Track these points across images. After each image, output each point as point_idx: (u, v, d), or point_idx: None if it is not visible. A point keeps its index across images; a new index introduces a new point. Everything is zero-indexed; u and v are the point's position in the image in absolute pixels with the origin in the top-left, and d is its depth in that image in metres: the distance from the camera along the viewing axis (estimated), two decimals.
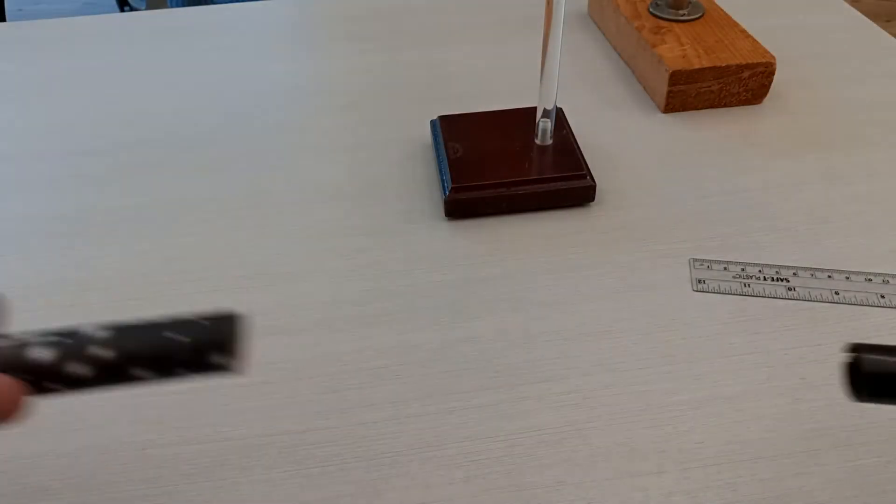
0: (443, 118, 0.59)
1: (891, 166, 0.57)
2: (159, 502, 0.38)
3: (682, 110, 0.64)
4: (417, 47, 0.74)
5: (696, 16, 0.68)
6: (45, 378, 0.30)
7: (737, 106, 0.64)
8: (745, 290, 0.48)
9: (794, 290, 0.48)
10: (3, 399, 0.27)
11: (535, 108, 0.56)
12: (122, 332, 0.33)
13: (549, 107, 0.54)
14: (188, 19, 0.81)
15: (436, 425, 0.41)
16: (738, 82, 0.63)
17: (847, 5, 0.79)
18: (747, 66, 0.62)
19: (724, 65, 0.61)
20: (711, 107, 0.64)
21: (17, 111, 0.67)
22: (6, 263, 0.52)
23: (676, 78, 0.62)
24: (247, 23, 0.80)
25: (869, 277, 0.48)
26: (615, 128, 0.62)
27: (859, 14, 0.77)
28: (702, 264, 0.50)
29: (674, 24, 0.67)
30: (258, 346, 0.45)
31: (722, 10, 0.69)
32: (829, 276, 0.48)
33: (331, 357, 0.45)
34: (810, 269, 0.49)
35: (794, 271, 0.49)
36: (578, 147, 0.56)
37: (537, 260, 0.50)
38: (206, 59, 0.74)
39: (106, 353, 0.31)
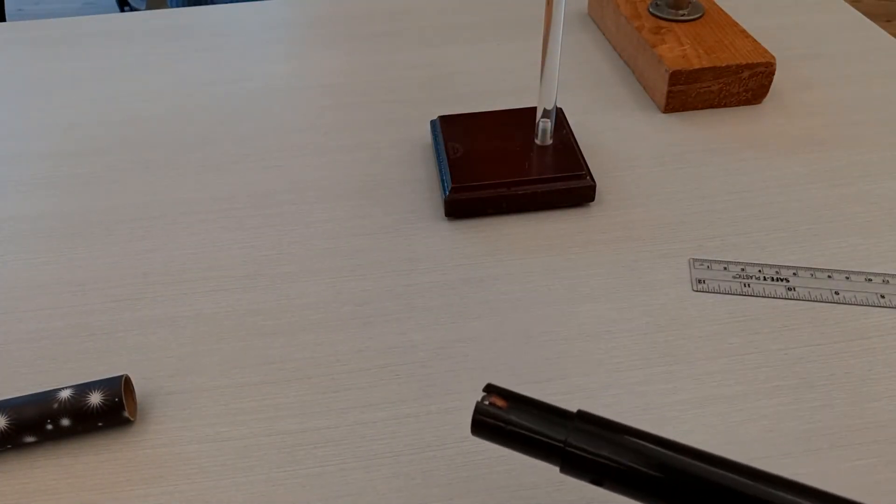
0: (443, 118, 0.59)
1: (890, 166, 0.57)
2: (160, 502, 0.38)
3: (682, 110, 0.64)
4: (417, 47, 0.74)
5: (696, 16, 0.68)
6: None
7: (737, 106, 0.64)
8: (745, 290, 0.48)
9: (794, 290, 0.48)
10: None
11: (535, 108, 0.57)
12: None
13: (549, 107, 0.54)
14: (188, 19, 0.81)
15: (436, 425, 0.41)
16: (738, 82, 0.63)
17: (847, 5, 0.79)
18: (747, 66, 0.62)
19: (724, 65, 0.62)
20: (711, 107, 0.64)
21: (17, 111, 0.67)
22: (6, 263, 0.52)
23: (676, 78, 0.62)
24: (246, 23, 0.80)
25: (869, 277, 0.48)
26: (615, 128, 0.62)
27: (859, 14, 0.77)
28: (702, 264, 0.50)
29: (674, 24, 0.67)
30: (258, 346, 0.45)
31: (722, 10, 0.69)
32: (829, 276, 0.48)
33: (331, 357, 0.45)
34: (810, 269, 0.49)
35: (794, 271, 0.49)
36: (578, 147, 0.56)
37: (537, 260, 0.50)
38: (206, 59, 0.74)
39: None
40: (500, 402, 0.30)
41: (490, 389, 0.31)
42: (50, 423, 0.39)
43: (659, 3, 0.69)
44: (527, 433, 0.29)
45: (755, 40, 0.64)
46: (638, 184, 0.56)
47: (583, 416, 0.30)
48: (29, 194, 0.58)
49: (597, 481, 0.29)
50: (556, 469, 0.39)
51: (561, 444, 0.29)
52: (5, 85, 0.71)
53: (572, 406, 0.42)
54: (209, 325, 0.47)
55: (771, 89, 0.66)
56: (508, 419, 0.30)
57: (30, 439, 0.39)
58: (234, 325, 0.47)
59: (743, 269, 0.49)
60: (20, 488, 0.39)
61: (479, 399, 0.30)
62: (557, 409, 0.30)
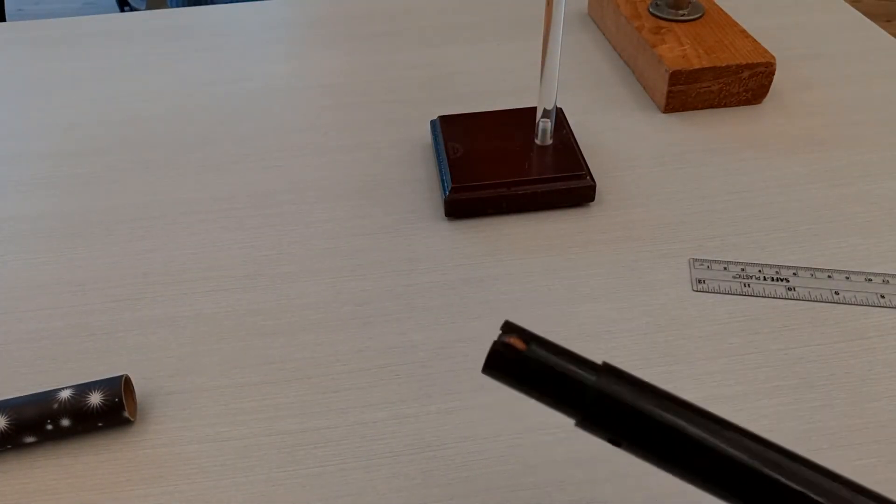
0: (443, 118, 0.59)
1: (890, 166, 0.57)
2: (160, 502, 0.38)
3: (682, 110, 0.64)
4: (417, 47, 0.74)
5: (696, 16, 0.68)
6: None
7: (737, 106, 0.64)
8: (745, 290, 0.48)
9: (794, 290, 0.48)
10: None
11: (535, 108, 0.57)
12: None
13: (549, 107, 0.54)
14: (188, 19, 0.81)
15: (436, 425, 0.41)
16: (738, 82, 0.63)
17: (847, 5, 0.79)
18: (747, 66, 0.62)
19: (724, 65, 0.61)
20: (711, 107, 0.64)
21: (17, 111, 0.67)
22: (6, 263, 0.52)
23: (676, 78, 0.62)
24: (246, 23, 0.80)
25: (869, 277, 0.48)
26: (615, 128, 0.62)
27: (859, 14, 0.77)
28: (702, 264, 0.50)
29: (674, 24, 0.67)
30: (258, 346, 0.45)
31: (722, 10, 0.69)
32: (829, 276, 0.48)
33: (331, 357, 0.45)
34: (810, 269, 0.49)
35: (794, 271, 0.49)
36: (578, 147, 0.56)
37: (537, 260, 0.50)
38: (206, 59, 0.74)
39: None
40: (519, 345, 0.26)
41: (509, 328, 0.27)
42: (50, 423, 0.39)
43: (659, 3, 0.69)
44: (545, 379, 0.26)
45: (755, 40, 0.64)
46: (638, 184, 0.56)
47: (610, 370, 0.26)
48: (29, 194, 0.58)
49: (615, 441, 0.26)
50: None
51: (585, 394, 0.26)
52: (5, 85, 0.71)
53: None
54: (209, 325, 0.47)
55: (771, 89, 0.66)
56: (528, 359, 0.26)
57: (30, 439, 0.39)
58: (234, 325, 0.47)
59: (743, 269, 0.49)
60: (20, 488, 0.39)
61: (497, 338, 0.27)
62: (582, 359, 0.27)
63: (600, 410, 0.26)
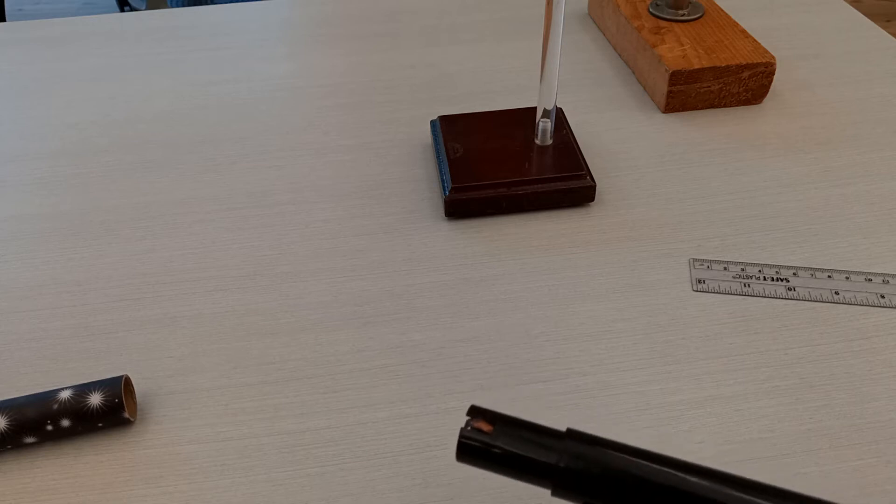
0: (443, 118, 0.59)
1: (890, 166, 0.57)
2: (160, 502, 0.38)
3: (682, 110, 0.64)
4: (417, 47, 0.74)
5: (696, 16, 0.68)
6: None
7: (737, 106, 0.64)
8: (745, 290, 0.48)
9: (794, 290, 0.48)
10: None
11: (535, 108, 0.56)
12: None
13: (549, 107, 0.54)
14: (188, 19, 0.81)
15: (436, 425, 0.41)
16: (738, 82, 0.63)
17: (847, 5, 0.79)
18: (747, 67, 0.62)
19: (724, 65, 0.62)
20: (711, 107, 0.64)
21: (17, 111, 0.67)
22: (6, 263, 0.52)
23: (676, 78, 0.62)
24: (246, 23, 0.80)
25: (869, 277, 0.48)
26: (615, 128, 0.62)
27: (859, 14, 0.77)
28: (702, 264, 0.50)
29: (674, 24, 0.67)
30: (258, 346, 0.45)
31: (722, 10, 0.69)
32: (829, 276, 0.48)
33: (331, 357, 0.45)
34: (810, 269, 0.49)
35: (794, 271, 0.49)
36: (578, 147, 0.56)
37: (537, 260, 0.50)
38: (206, 59, 0.74)
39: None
40: (485, 427, 0.28)
41: (474, 412, 0.29)
42: (50, 423, 0.39)
43: (659, 3, 0.69)
44: (515, 458, 0.28)
45: (755, 40, 0.64)
46: (638, 184, 0.56)
47: (573, 436, 0.28)
48: (29, 194, 0.58)
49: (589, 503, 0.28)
50: None
51: (552, 467, 0.28)
52: (5, 85, 0.71)
53: (571, 407, 0.42)
54: (209, 325, 0.47)
55: (771, 89, 0.66)
56: (495, 444, 0.28)
57: (30, 440, 0.39)
58: (234, 325, 0.47)
59: (743, 269, 0.49)
60: (20, 488, 0.39)
61: (464, 424, 0.29)
62: (546, 430, 0.29)
63: (569, 476, 0.28)
